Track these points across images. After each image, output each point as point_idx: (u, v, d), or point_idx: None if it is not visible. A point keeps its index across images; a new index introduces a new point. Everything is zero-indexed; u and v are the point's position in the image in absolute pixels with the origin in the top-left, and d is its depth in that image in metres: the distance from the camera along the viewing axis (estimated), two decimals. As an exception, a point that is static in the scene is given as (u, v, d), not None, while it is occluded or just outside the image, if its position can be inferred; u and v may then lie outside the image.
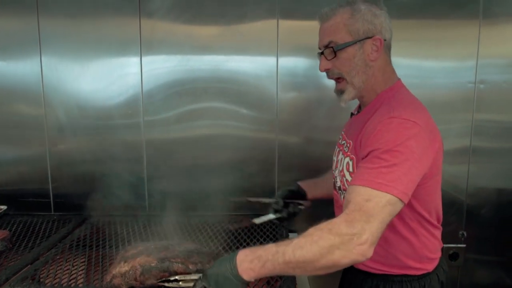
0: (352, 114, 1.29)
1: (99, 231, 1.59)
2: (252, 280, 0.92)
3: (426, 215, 1.11)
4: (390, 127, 0.96)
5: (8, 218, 1.72)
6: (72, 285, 1.15)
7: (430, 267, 1.16)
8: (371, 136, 0.99)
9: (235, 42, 1.82)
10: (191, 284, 0.99)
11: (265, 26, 1.81)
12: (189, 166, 1.90)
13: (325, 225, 0.89)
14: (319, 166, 1.72)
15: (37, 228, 1.62)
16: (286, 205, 1.43)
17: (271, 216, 1.43)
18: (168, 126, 1.87)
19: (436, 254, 1.18)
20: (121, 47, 1.82)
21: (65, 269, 1.27)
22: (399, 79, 1.17)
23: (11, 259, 1.35)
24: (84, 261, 1.32)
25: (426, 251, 1.14)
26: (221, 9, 1.80)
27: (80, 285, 1.15)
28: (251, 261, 0.90)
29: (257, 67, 1.82)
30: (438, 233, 1.18)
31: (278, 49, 1.81)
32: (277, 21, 1.80)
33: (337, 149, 1.26)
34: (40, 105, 1.86)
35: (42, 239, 1.51)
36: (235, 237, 1.48)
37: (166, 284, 1.10)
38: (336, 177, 1.22)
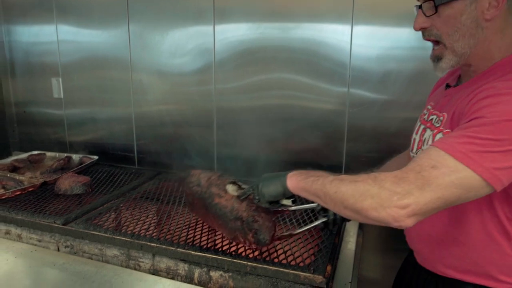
0: (448, 85, 1.03)
1: (164, 187, 1.72)
2: (291, 189, 0.97)
3: None
4: (507, 98, 0.75)
5: (97, 167, 1.97)
6: (123, 231, 1.27)
7: None
8: (477, 103, 0.78)
9: (307, 9, 1.72)
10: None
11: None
12: (256, 135, 1.91)
13: (375, 173, 0.79)
14: (394, 143, 1.60)
15: (116, 178, 1.84)
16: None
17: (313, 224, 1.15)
18: (237, 95, 1.89)
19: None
20: (196, 16, 1.88)
21: (123, 216, 1.42)
22: None
23: (86, 201, 1.55)
24: (141, 211, 1.45)
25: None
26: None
27: (129, 232, 1.27)
28: (300, 173, 0.96)
29: (329, 36, 1.71)
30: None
31: (353, 17, 1.66)
32: (354, -17, 1.65)
33: (421, 126, 1.04)
34: (127, 71, 2.05)
35: (116, 187, 1.70)
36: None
37: None
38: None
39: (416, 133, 1.05)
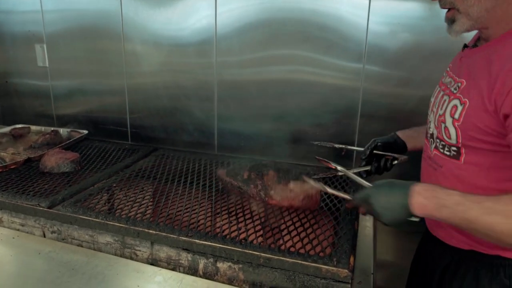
0: (465, 46, 0.98)
1: (161, 165, 1.57)
2: (419, 216, 0.84)
3: None
4: None
5: (86, 143, 1.81)
6: (117, 215, 1.13)
7: None
8: None
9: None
10: None
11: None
12: (261, 109, 1.76)
13: None
14: (409, 121, 1.44)
15: (107, 154, 1.68)
16: (377, 158, 1.18)
17: (356, 169, 1.20)
18: (241, 69, 1.72)
19: None
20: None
21: (116, 198, 1.27)
22: None
23: (75, 180, 1.39)
24: (136, 192, 1.31)
25: None
26: None
27: (123, 216, 1.12)
28: (428, 198, 0.82)
29: (344, 8, 1.53)
30: None
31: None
32: None
33: (438, 89, 1.01)
34: (119, 41, 1.85)
35: (108, 165, 1.55)
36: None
37: None
38: (430, 122, 1.00)
39: (433, 96, 1.02)
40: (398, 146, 1.20)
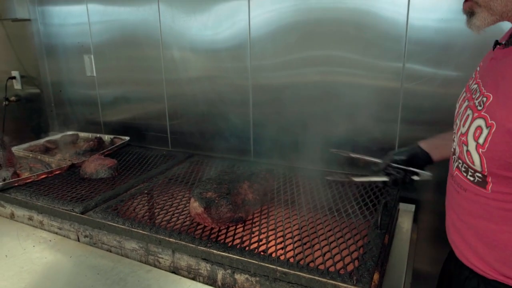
0: (497, 43, 0.83)
1: (194, 171, 1.59)
2: None
3: None
4: None
5: (127, 149, 1.88)
6: (142, 222, 1.15)
7: None
8: None
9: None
10: None
11: None
12: (297, 114, 1.71)
13: None
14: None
15: (145, 160, 1.73)
16: (397, 170, 1.07)
17: (373, 178, 1.14)
18: (276, 72, 1.68)
19: None
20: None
21: (146, 205, 1.30)
22: None
23: (111, 186, 1.44)
24: (165, 199, 1.32)
25: None
26: None
27: (148, 224, 1.14)
28: None
29: (382, 6, 1.44)
30: None
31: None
32: None
33: (464, 95, 0.87)
34: (158, 48, 1.91)
35: (144, 171, 1.59)
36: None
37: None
38: (454, 134, 0.88)
39: (458, 101, 0.90)
40: (421, 160, 1.08)
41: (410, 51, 1.44)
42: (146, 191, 1.40)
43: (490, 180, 0.76)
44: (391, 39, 1.45)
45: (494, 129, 0.70)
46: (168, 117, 2.01)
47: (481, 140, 0.73)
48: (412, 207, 1.42)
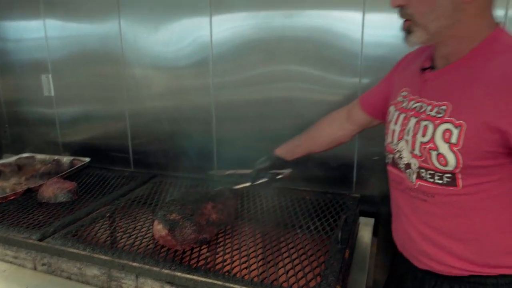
0: (424, 68, 0.94)
1: (157, 192, 1.57)
2: None
3: None
4: None
5: (88, 171, 1.83)
6: (104, 247, 1.13)
7: None
8: None
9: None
10: None
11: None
12: (260, 131, 1.75)
13: None
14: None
15: (106, 182, 1.69)
16: (264, 173, 1.31)
17: (247, 184, 1.35)
18: (238, 88, 1.72)
19: None
20: (191, 7, 1.70)
21: (107, 229, 1.27)
22: (499, 23, 0.85)
23: (70, 211, 1.40)
24: (128, 222, 1.31)
25: None
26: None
27: (111, 248, 1.12)
28: None
29: (339, 24, 1.52)
30: None
31: (365, 3, 1.47)
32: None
33: (401, 115, 0.96)
34: (119, 66, 1.89)
35: (105, 194, 1.56)
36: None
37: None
38: (399, 152, 0.94)
39: (396, 123, 0.97)
40: (279, 163, 1.30)
41: (366, 67, 1.51)
42: (108, 215, 1.37)
43: (459, 176, 0.83)
44: (349, 56, 1.52)
45: (465, 127, 0.79)
46: (130, 137, 1.98)
47: (453, 140, 0.81)
48: (371, 220, 1.48)
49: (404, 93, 0.98)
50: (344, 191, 1.58)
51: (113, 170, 1.86)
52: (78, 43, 1.98)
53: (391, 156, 1.00)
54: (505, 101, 0.74)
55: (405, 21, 0.87)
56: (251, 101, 1.72)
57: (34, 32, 2.06)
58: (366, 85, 1.52)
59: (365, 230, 1.41)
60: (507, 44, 0.81)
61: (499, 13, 1.29)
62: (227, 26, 1.67)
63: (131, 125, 1.97)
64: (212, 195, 1.30)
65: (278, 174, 1.30)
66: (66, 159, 1.90)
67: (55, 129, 2.16)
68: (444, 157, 0.83)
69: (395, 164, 0.98)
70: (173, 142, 1.90)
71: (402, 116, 0.96)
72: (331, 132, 1.27)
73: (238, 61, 1.68)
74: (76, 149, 2.10)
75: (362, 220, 1.46)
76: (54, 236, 1.20)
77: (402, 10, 0.85)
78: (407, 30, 0.86)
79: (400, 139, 0.95)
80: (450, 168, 0.83)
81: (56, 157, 1.91)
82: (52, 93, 2.10)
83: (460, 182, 0.84)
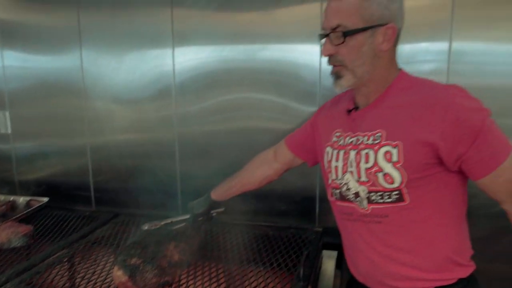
0: (349, 110, 1.08)
1: (119, 233, 1.54)
2: None
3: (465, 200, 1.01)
4: (462, 100, 0.89)
5: (46, 211, 1.77)
6: (60, 296, 1.08)
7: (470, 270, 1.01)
8: (457, 124, 0.88)
9: (272, 29, 1.61)
10: None
11: (306, 10, 1.57)
12: (223, 165, 1.76)
13: None
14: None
15: (65, 224, 1.64)
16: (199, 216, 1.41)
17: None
18: (201, 119, 1.73)
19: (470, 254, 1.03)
20: (154, 39, 1.74)
21: (64, 275, 1.23)
22: (401, 68, 1.04)
23: (25, 256, 1.35)
24: (87, 267, 1.26)
25: (467, 249, 1.02)
26: (256, -7, 1.60)
27: (67, 297, 1.08)
28: None
29: (297, 56, 1.59)
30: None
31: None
32: (321, 4, 1.54)
33: (340, 152, 1.05)
34: (80, 98, 1.88)
35: (63, 236, 1.51)
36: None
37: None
38: (345, 184, 1.03)
39: (337, 160, 1.06)
40: (215, 207, 1.42)
41: (324, 95, 1.57)
42: (65, 259, 1.32)
43: (405, 191, 0.94)
44: (308, 84, 1.58)
45: (402, 145, 0.92)
46: (92, 173, 1.94)
47: (395, 158, 0.93)
48: (334, 253, 1.50)
49: (337, 134, 1.09)
50: (307, 224, 1.62)
51: (73, 210, 1.80)
52: (37, 76, 1.94)
53: (337, 191, 1.07)
54: (427, 120, 0.89)
55: (334, 66, 1.00)
56: (214, 132, 1.74)
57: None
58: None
59: (329, 263, 1.43)
60: (411, 81, 1.00)
61: (441, 47, 1.43)
62: (190, 57, 1.71)
63: (93, 161, 1.93)
64: (174, 234, 1.29)
65: (212, 214, 1.43)
66: (22, 199, 1.83)
67: (11, 166, 2.08)
68: (390, 176, 0.94)
69: (343, 197, 1.05)
70: (136, 179, 1.87)
71: (341, 152, 1.05)
72: (262, 172, 1.36)
73: (200, 92, 1.72)
74: (34, 188, 2.03)
75: (326, 253, 1.48)
76: (7, 285, 1.14)
77: (332, 58, 0.99)
78: (336, 74, 1.00)
79: (344, 172, 1.03)
80: (396, 184, 0.94)
81: (11, 197, 1.83)
82: (9, 130, 2.03)
83: (407, 197, 0.94)
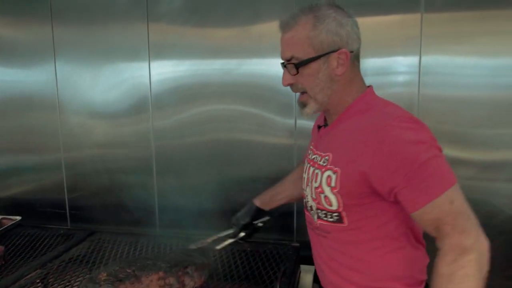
0: (319, 126, 1.12)
1: (94, 251, 1.50)
2: None
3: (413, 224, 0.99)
4: (401, 132, 0.88)
5: (19, 230, 1.72)
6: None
7: None
8: (389, 159, 0.87)
9: (248, 45, 1.63)
10: None
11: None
12: (201, 179, 1.75)
13: (451, 258, 0.81)
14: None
15: (38, 243, 1.60)
16: (246, 226, 1.32)
17: (230, 240, 1.32)
18: (178, 131, 1.73)
19: (424, 275, 1.02)
20: (130, 53, 1.74)
21: (36, 297, 1.20)
22: (369, 86, 1.06)
23: (-4, 279, 1.30)
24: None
25: (415, 271, 1.00)
26: (232, 9, 1.62)
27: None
28: None
29: (273, 70, 1.61)
30: (422, 248, 1.02)
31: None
32: (295, 20, 1.57)
33: (308, 165, 1.10)
34: (55, 113, 1.85)
35: (36, 256, 1.47)
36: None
37: None
38: (307, 195, 1.08)
39: (305, 172, 1.11)
40: (259, 214, 1.33)
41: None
42: (38, 280, 1.29)
43: (344, 214, 0.97)
44: (285, 96, 1.60)
45: (340, 172, 0.95)
46: (67, 190, 1.91)
47: (333, 184, 0.96)
48: (312, 268, 1.50)
49: (311, 147, 1.14)
50: (285, 238, 1.62)
51: (48, 228, 1.75)
52: (11, 89, 1.90)
53: (304, 200, 1.12)
54: (363, 150, 0.90)
55: (301, 94, 1.02)
56: (191, 145, 1.74)
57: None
58: (302, 128, 1.60)
59: (306, 278, 1.43)
60: (369, 104, 1.00)
61: (413, 61, 1.49)
62: (167, 70, 1.71)
63: (68, 177, 1.90)
64: (185, 260, 1.21)
65: (258, 224, 1.33)
66: (-7, 218, 1.77)
67: (-19, 184, 2.02)
68: (329, 199, 0.98)
69: (306, 206, 1.11)
70: (112, 195, 1.85)
71: (308, 166, 1.10)
72: None
73: (177, 106, 1.72)
74: (6, 206, 1.97)
75: (304, 267, 1.48)
76: (-25, 311, 1.11)
77: (293, 86, 1.02)
78: (302, 103, 1.02)
79: (306, 185, 1.09)
80: (334, 208, 0.98)
81: (-18, 216, 1.78)
82: (-20, 147, 1.98)
83: (346, 220, 0.98)
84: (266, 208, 1.34)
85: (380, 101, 1.02)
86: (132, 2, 1.70)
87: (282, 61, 1.03)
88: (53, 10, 1.78)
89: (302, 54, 0.97)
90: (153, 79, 1.73)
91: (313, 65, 0.97)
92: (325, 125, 1.09)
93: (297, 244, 1.48)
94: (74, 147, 1.87)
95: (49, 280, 1.30)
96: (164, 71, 1.72)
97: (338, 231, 0.99)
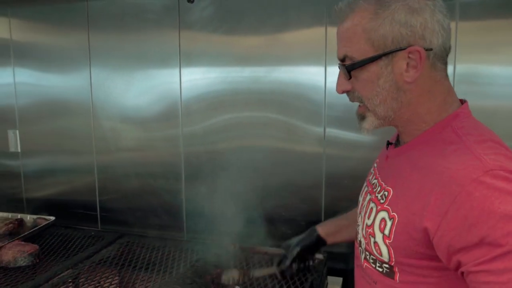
0: (389, 143, 0.90)
1: (123, 254, 1.54)
2: None
3: None
4: (487, 192, 0.61)
5: (52, 230, 1.78)
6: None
7: None
8: (456, 220, 0.63)
9: (278, 53, 1.63)
10: None
11: (311, 34, 1.59)
12: (229, 183, 1.75)
13: None
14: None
15: (71, 243, 1.64)
16: (297, 257, 1.14)
17: (273, 269, 1.19)
18: (206, 138, 1.75)
19: None
20: (161, 60, 1.78)
21: (68, 297, 1.23)
22: (463, 100, 0.81)
23: (30, 276, 1.35)
24: (91, 289, 1.27)
25: None
26: (262, 17, 1.63)
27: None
28: None
29: (303, 77, 1.61)
30: None
31: (326, 59, 1.58)
32: (325, 28, 1.57)
33: (366, 189, 0.91)
34: (89, 117, 1.91)
35: (68, 256, 1.51)
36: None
37: None
38: (358, 226, 0.90)
39: (361, 195, 0.92)
40: (318, 246, 1.14)
41: (330, 116, 1.58)
42: (70, 280, 1.33)
43: (396, 270, 0.76)
44: (314, 105, 1.59)
45: (396, 220, 0.73)
46: (98, 192, 1.96)
47: (386, 232, 0.75)
48: (339, 280, 1.48)
49: (375, 165, 0.93)
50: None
51: (79, 229, 1.81)
52: (47, 94, 1.97)
53: (356, 228, 0.93)
54: (430, 203, 0.67)
55: (359, 105, 0.82)
56: (220, 151, 1.75)
57: (2, 80, 2.04)
58: (331, 136, 1.59)
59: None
60: (456, 132, 0.72)
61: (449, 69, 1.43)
62: (196, 77, 1.73)
63: (99, 180, 1.95)
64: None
65: (315, 260, 1.19)
66: (29, 217, 1.84)
67: (19, 184, 2.10)
68: (379, 248, 0.77)
69: (356, 237, 0.92)
70: (141, 199, 1.88)
71: (365, 189, 0.91)
72: None
73: (206, 111, 1.74)
74: (41, 206, 2.04)
75: (331, 279, 1.46)
76: (10, 307, 1.15)
77: (350, 94, 0.81)
78: (361, 116, 0.81)
79: (359, 212, 0.89)
80: (385, 259, 0.77)
81: (19, 215, 1.85)
82: (19, 149, 2.06)
83: (397, 276, 0.76)
84: (329, 240, 1.12)
85: (474, 131, 0.73)
86: (164, 10, 1.74)
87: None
88: (90, 19, 1.85)
89: (357, 53, 0.74)
90: (183, 85, 1.76)
91: (371, 68, 0.73)
92: (397, 143, 0.87)
93: (325, 255, 1.46)
94: (106, 150, 1.92)
95: (80, 280, 1.33)
96: (194, 78, 1.75)
97: (387, 285, 0.78)
